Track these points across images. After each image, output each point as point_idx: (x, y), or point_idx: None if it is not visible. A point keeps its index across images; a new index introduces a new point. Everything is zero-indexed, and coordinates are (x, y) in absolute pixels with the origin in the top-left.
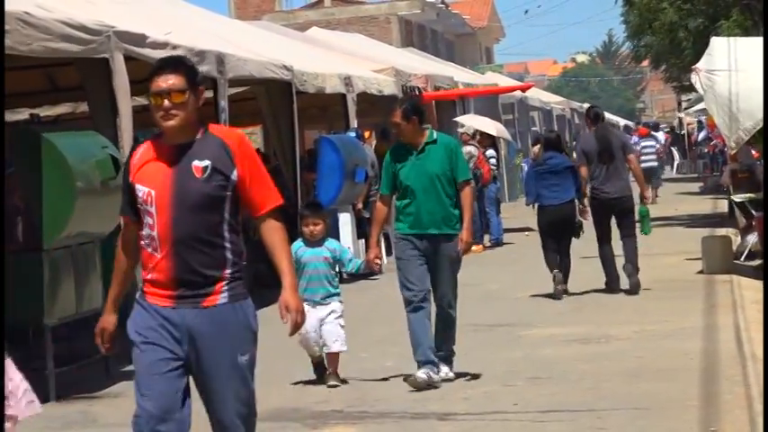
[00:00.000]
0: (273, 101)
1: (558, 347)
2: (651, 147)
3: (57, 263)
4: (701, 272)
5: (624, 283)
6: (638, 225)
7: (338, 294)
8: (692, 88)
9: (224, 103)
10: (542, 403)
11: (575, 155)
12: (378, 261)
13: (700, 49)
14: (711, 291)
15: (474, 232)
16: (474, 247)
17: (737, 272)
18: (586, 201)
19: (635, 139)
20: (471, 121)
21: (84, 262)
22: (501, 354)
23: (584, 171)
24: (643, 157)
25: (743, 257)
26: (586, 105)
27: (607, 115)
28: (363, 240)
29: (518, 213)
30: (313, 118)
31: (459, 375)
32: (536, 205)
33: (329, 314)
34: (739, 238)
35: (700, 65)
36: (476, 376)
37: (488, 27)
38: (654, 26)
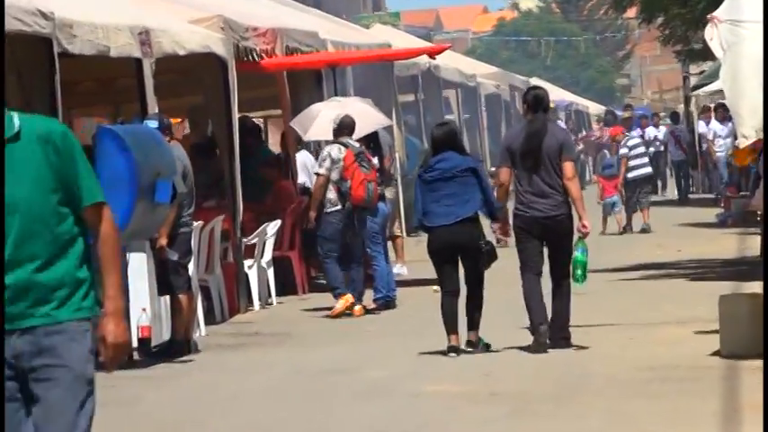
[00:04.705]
0: (22, 68)
1: None
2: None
3: None
4: (717, 353)
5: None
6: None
7: None
8: (706, 53)
9: None
10: None
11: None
12: None
13: None
14: (733, 384)
15: (357, 286)
16: (336, 307)
17: None
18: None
19: (703, 126)
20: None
21: None
22: None
23: (504, 175)
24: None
25: None
26: (534, 80)
27: (570, 98)
28: (168, 297)
29: (422, 253)
30: (89, 97)
31: None
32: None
33: None
34: None
35: (718, 13)
36: None
37: None
38: None
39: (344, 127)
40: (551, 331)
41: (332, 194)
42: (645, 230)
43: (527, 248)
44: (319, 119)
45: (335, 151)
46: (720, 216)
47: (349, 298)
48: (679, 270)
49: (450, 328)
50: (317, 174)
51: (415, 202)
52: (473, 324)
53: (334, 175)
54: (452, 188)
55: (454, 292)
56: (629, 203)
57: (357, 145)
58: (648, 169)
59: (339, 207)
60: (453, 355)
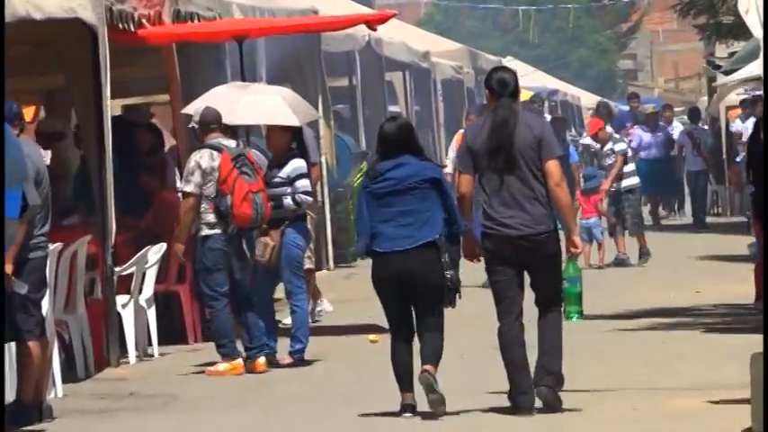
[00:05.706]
0: None
1: None
2: None
3: None
4: (748, 430)
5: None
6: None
7: None
8: (738, 30)
9: None
10: None
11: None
12: None
13: None
14: None
15: (254, 334)
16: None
17: None
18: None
19: (738, 124)
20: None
21: None
22: None
23: (465, 184)
24: None
25: None
26: (508, 61)
27: (556, 84)
28: (14, 344)
29: (354, 289)
30: None
31: None
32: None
33: None
34: None
35: None
36: None
37: None
38: None
39: (211, 122)
40: (535, 374)
41: (210, 216)
42: (624, 261)
43: (500, 282)
44: (244, 101)
45: (206, 159)
46: (754, 247)
47: (238, 365)
48: (698, 318)
49: (405, 383)
50: (185, 193)
51: (360, 222)
52: (428, 360)
53: (210, 191)
54: (409, 203)
55: (408, 337)
56: (625, 223)
57: (233, 144)
58: (637, 179)
59: (219, 231)
60: (408, 415)
